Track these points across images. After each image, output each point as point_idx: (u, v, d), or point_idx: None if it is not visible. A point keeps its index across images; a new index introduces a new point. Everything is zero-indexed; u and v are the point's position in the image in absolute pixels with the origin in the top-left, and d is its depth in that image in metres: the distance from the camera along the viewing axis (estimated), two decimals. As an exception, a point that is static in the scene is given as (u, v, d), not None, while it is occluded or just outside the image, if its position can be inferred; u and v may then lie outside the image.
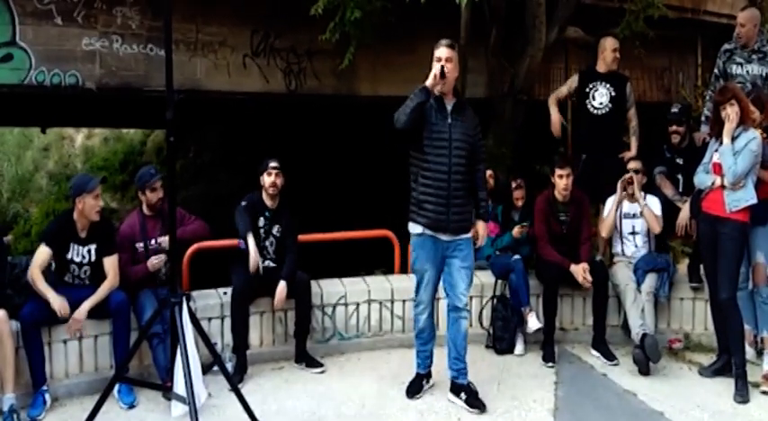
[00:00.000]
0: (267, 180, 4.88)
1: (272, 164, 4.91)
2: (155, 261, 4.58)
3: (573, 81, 5.98)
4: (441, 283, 4.41)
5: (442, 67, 4.11)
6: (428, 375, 4.56)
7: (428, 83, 4.12)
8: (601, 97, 5.73)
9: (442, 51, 4.20)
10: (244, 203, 4.89)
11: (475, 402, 4.28)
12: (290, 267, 4.85)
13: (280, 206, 4.97)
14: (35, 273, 4.25)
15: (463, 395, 4.33)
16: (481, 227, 4.41)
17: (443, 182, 4.18)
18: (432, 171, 4.19)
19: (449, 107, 4.25)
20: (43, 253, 4.33)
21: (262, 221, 4.91)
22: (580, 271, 5.02)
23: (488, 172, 5.93)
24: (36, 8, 6.24)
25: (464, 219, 4.29)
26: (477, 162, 4.35)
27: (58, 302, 4.20)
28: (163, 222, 4.66)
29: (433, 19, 6.55)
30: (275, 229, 4.93)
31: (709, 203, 4.55)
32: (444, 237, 4.25)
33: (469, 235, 4.34)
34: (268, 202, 4.93)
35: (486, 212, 4.55)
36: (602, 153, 5.69)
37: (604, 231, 5.37)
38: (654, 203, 5.28)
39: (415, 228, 4.29)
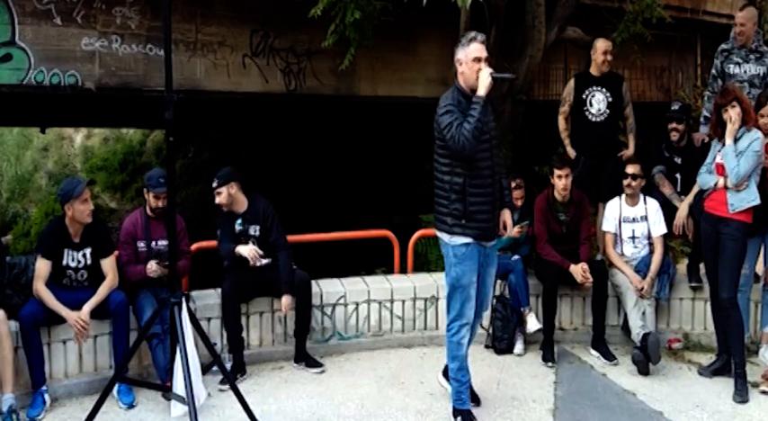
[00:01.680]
0: (218, 198, 4.82)
1: (214, 185, 4.84)
2: (153, 268, 4.52)
3: (569, 90, 5.84)
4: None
5: (490, 71, 3.77)
6: None
7: (482, 91, 3.76)
8: (598, 104, 5.68)
9: (481, 50, 3.82)
10: (218, 229, 4.90)
11: (471, 397, 4.24)
12: (286, 271, 4.79)
13: (250, 207, 4.89)
14: (41, 289, 4.24)
15: None
16: (507, 215, 4.10)
17: (490, 187, 3.87)
18: (482, 177, 3.83)
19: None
20: (43, 265, 4.31)
21: (238, 226, 4.87)
22: (579, 270, 5.02)
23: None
24: (35, 8, 6.24)
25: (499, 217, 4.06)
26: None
27: (73, 318, 4.21)
28: (165, 225, 4.64)
29: (433, 19, 6.56)
30: (252, 230, 4.87)
31: (712, 204, 4.55)
32: (487, 244, 3.97)
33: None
34: (235, 209, 4.87)
35: (511, 200, 4.29)
36: (601, 156, 5.69)
37: (608, 247, 5.31)
38: (653, 206, 5.28)
39: (460, 239, 3.86)
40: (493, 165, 3.89)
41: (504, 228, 4.09)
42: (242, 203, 4.88)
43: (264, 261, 4.83)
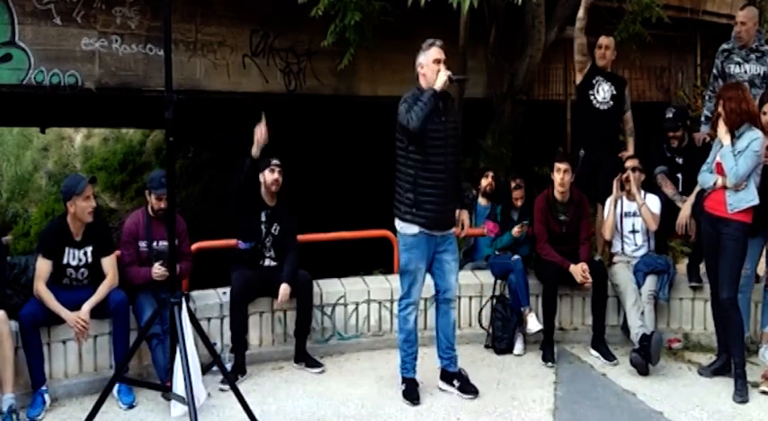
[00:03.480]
0: (270, 177, 4.85)
1: (275, 161, 4.89)
2: (160, 271, 4.47)
3: (588, 61, 5.90)
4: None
5: (448, 73, 4.10)
6: None
7: (438, 86, 4.09)
8: (604, 93, 5.77)
9: (439, 53, 4.16)
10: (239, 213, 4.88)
11: (468, 387, 4.39)
12: (291, 267, 4.83)
13: (278, 204, 4.96)
14: (41, 289, 4.23)
15: (456, 382, 4.43)
16: (466, 216, 4.48)
17: (442, 181, 4.17)
18: (432, 171, 4.15)
19: (440, 106, 4.20)
20: (44, 265, 4.30)
21: (263, 216, 4.88)
22: (579, 270, 5.02)
23: (489, 173, 5.97)
24: (35, 8, 6.24)
25: (454, 212, 4.37)
26: (460, 153, 4.41)
27: (72, 319, 4.21)
28: (166, 226, 4.63)
29: (433, 19, 6.56)
30: (274, 228, 4.91)
31: (712, 203, 4.55)
32: (438, 234, 4.27)
33: (454, 229, 4.41)
34: (267, 200, 4.91)
35: (470, 201, 4.59)
36: (601, 150, 5.71)
37: (607, 233, 5.36)
38: (653, 202, 5.29)
39: (410, 228, 4.23)
40: (446, 162, 4.17)
41: (462, 227, 4.46)
42: (275, 198, 4.94)
43: (268, 263, 4.87)
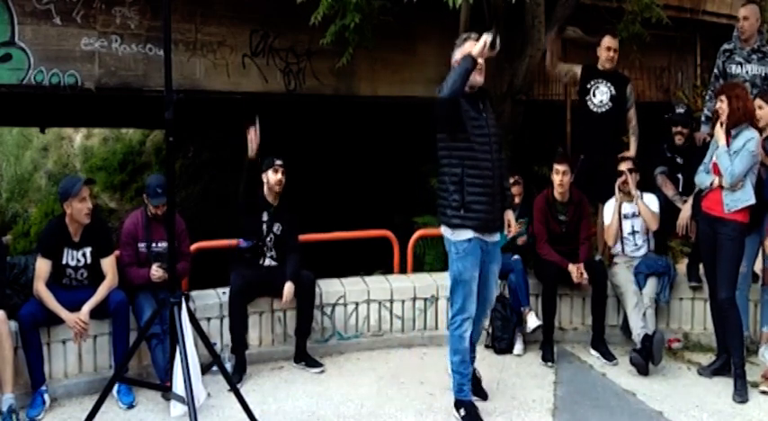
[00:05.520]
0: (273, 177, 4.86)
1: (278, 161, 4.88)
2: (158, 273, 4.49)
3: (577, 70, 5.93)
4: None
5: (494, 38, 3.75)
6: None
7: (476, 52, 3.77)
8: (601, 95, 5.72)
9: (474, 45, 3.81)
10: (244, 217, 4.88)
11: (477, 391, 4.31)
12: (294, 266, 4.84)
13: (281, 204, 4.96)
14: (41, 289, 4.23)
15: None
16: (511, 215, 4.18)
17: (490, 178, 3.92)
18: (480, 169, 3.89)
19: (479, 101, 4.00)
20: (43, 265, 4.30)
21: (265, 216, 4.89)
22: (575, 271, 5.03)
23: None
24: (35, 8, 6.23)
25: (502, 214, 4.10)
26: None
27: (72, 319, 4.21)
28: (165, 227, 4.62)
29: (432, 19, 6.56)
30: (276, 227, 4.92)
31: (709, 203, 4.55)
32: (488, 239, 4.01)
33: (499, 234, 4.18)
34: (270, 200, 4.92)
35: (513, 201, 4.41)
36: (600, 153, 5.69)
37: (610, 240, 5.34)
38: (651, 201, 5.29)
39: (464, 234, 3.91)
40: (493, 161, 3.93)
41: (509, 227, 4.16)
42: (278, 198, 4.93)
43: (269, 262, 4.88)
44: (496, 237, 4.09)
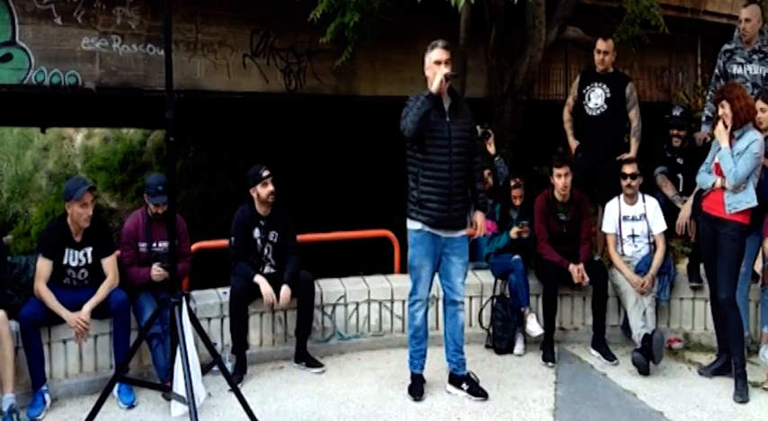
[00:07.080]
0: (264, 191, 4.78)
1: (265, 173, 4.79)
2: (158, 273, 4.48)
3: (575, 85, 5.93)
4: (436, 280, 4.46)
5: (445, 72, 4.09)
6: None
7: (433, 89, 4.09)
8: (596, 98, 5.70)
9: (441, 54, 4.16)
10: (233, 241, 4.80)
11: (478, 390, 4.38)
12: (292, 269, 4.81)
13: (273, 211, 4.89)
14: (42, 289, 4.23)
15: (465, 385, 4.42)
16: (480, 217, 4.44)
17: (445, 180, 4.19)
18: (433, 170, 4.18)
19: (446, 105, 4.24)
20: (44, 265, 4.30)
21: (257, 232, 4.83)
22: (575, 271, 5.03)
23: (486, 171, 5.96)
24: (36, 8, 6.24)
25: (463, 215, 4.34)
26: (473, 155, 4.39)
27: (72, 319, 4.21)
28: (166, 227, 4.62)
29: (433, 19, 6.57)
30: (271, 236, 4.88)
31: (710, 204, 4.55)
32: (443, 234, 4.28)
33: (465, 231, 4.39)
34: (261, 211, 4.86)
35: (485, 203, 4.56)
36: (597, 156, 5.68)
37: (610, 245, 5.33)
38: (652, 204, 5.28)
39: (413, 225, 4.30)
40: (450, 162, 4.18)
41: (475, 229, 4.45)
42: (270, 205, 4.88)
43: (269, 270, 4.86)
44: (457, 234, 4.31)
